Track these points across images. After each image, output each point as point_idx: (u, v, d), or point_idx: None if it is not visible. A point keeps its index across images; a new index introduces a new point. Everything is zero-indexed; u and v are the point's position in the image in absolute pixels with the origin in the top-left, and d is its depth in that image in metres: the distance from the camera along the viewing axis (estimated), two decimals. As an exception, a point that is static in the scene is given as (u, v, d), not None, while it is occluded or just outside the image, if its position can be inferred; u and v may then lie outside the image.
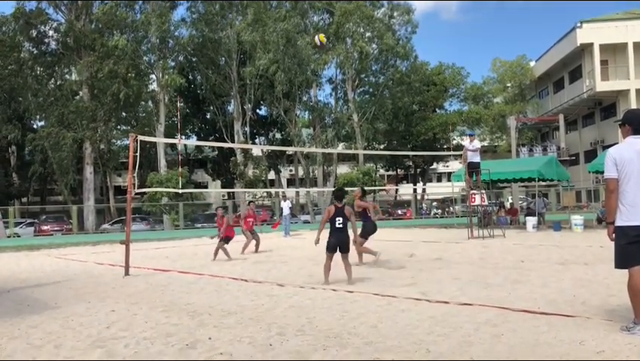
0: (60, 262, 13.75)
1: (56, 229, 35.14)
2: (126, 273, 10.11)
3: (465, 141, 19.28)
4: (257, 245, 14.88)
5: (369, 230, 10.87)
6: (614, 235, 4.78)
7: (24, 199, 53.19)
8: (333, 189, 40.51)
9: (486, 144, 53.48)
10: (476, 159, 17.31)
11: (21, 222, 36.74)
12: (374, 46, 42.55)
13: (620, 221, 4.70)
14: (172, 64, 41.07)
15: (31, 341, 5.15)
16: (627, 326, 4.68)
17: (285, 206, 23.47)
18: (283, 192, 32.42)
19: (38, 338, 5.29)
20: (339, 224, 7.98)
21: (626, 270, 4.70)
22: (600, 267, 8.90)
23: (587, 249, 12.37)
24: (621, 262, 4.74)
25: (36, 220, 37.59)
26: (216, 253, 12.96)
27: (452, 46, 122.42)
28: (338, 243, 7.99)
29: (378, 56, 43.31)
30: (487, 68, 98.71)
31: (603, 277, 7.86)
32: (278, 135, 52.87)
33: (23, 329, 5.69)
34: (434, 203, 49.09)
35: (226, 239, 13.25)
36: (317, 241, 8.29)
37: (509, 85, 54.54)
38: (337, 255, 8.07)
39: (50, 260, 14.26)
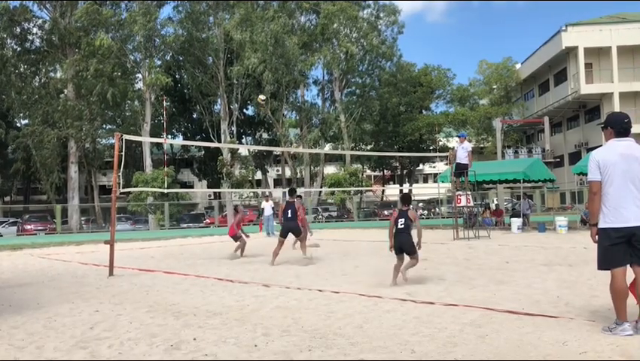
0: (43, 261, 13.59)
1: (39, 228, 34.71)
2: (111, 273, 10.03)
3: (457, 143, 19.39)
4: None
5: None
6: (597, 236, 4.84)
7: (7, 198, 52.58)
8: (319, 189, 40.58)
9: (472, 145, 53.76)
10: (465, 160, 17.39)
11: (4, 222, 36.30)
12: (360, 46, 42.64)
13: (603, 223, 4.75)
14: (159, 63, 40.82)
15: (12, 342, 5.09)
16: (609, 327, 4.73)
17: (267, 206, 23.47)
18: (265, 193, 32.32)
19: (19, 338, 5.23)
20: (400, 225, 8.00)
21: (609, 271, 4.75)
22: (584, 268, 8.99)
23: (571, 250, 12.48)
24: (604, 263, 4.80)
25: (19, 219, 37.15)
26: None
27: (438, 48, 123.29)
28: (398, 245, 8.01)
29: (363, 56, 43.44)
30: (473, 70, 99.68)
31: (586, 278, 7.94)
32: (265, 135, 52.81)
33: (5, 330, 5.62)
34: (420, 204, 49.28)
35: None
36: (390, 248, 8.28)
37: (495, 87, 54.92)
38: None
39: (33, 260, 14.09)
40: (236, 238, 13.28)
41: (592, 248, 5.51)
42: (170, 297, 7.48)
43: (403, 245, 7.97)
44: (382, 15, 44.45)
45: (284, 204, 11.69)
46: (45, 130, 37.52)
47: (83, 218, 39.44)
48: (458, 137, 18.94)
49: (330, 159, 56.86)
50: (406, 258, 8.06)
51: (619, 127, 4.84)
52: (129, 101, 41.76)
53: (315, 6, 42.19)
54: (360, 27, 41.73)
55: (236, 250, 13.16)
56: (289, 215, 11.32)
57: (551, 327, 5.04)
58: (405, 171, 60.61)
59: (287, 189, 12.29)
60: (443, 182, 22.66)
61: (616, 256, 4.70)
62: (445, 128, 53.82)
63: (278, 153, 50.87)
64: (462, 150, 17.55)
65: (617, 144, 4.79)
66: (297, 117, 46.49)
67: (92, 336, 5.23)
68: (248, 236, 13.73)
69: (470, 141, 48.57)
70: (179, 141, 54.34)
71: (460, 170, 17.56)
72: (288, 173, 50.91)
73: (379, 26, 44.28)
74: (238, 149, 41.42)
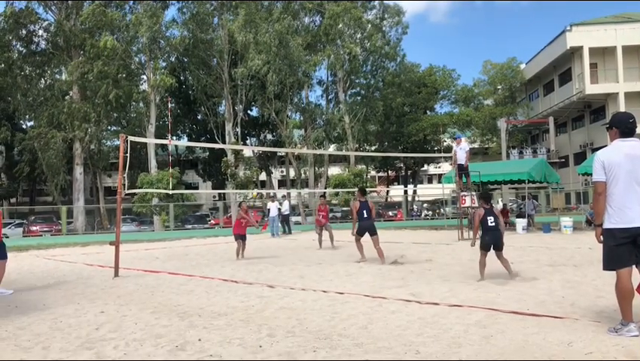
0: (49, 263, 13.65)
1: (45, 229, 34.88)
2: (116, 274, 10.06)
3: (454, 144, 19.42)
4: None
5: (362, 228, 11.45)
6: (602, 237, 4.83)
7: (13, 200, 52.76)
8: (323, 190, 40.66)
9: (476, 145, 53.78)
10: (463, 161, 17.42)
11: (10, 223, 36.46)
12: (363, 47, 42.63)
13: (608, 223, 4.74)
14: (164, 64, 40.91)
15: (19, 343, 5.11)
16: (615, 328, 4.72)
17: (273, 207, 23.51)
18: (270, 194, 32.39)
19: (26, 339, 5.25)
20: (491, 222, 8.19)
21: (614, 272, 4.74)
22: (589, 268, 8.97)
23: (576, 250, 12.45)
24: (609, 263, 4.79)
25: (25, 221, 37.31)
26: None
27: (441, 48, 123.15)
28: (492, 242, 8.18)
29: (367, 57, 43.46)
30: (477, 70, 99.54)
31: (591, 278, 7.92)
32: (269, 136, 52.86)
33: (11, 331, 5.65)
34: (425, 204, 49.25)
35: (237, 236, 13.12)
36: (473, 244, 8.66)
37: (499, 87, 54.82)
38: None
39: (38, 261, 14.16)
40: (241, 237, 13.00)
41: (597, 248, 5.50)
42: (175, 298, 7.50)
43: (498, 242, 8.21)
44: (386, 16, 44.47)
45: (359, 204, 11.53)
46: (51, 132, 37.66)
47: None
48: (454, 138, 18.98)
49: (335, 159, 56.82)
50: (495, 255, 8.27)
51: (624, 127, 4.83)
52: (134, 103, 41.87)
53: (319, 7, 42.22)
54: (364, 28, 41.75)
55: (242, 251, 12.90)
56: (365, 215, 11.39)
57: (556, 328, 5.03)
58: (409, 172, 60.55)
59: (358, 189, 12.34)
60: (448, 182, 22.65)
61: (621, 257, 4.69)
62: (449, 129, 53.77)
63: (282, 154, 50.88)
64: (461, 151, 17.58)
65: (622, 145, 4.77)
66: (301, 118, 46.51)
67: (98, 337, 5.25)
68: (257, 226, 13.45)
69: (471, 143, 48.56)
70: (184, 142, 54.40)
71: (462, 171, 17.59)
72: (292, 174, 50.93)
73: (384, 28, 44.28)
74: (242, 150, 41.49)
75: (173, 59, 43.44)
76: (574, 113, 48.24)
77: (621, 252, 4.67)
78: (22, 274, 11.18)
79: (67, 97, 40.51)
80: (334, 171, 52.50)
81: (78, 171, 39.59)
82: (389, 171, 62.88)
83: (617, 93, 42.32)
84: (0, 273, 8.38)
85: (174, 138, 48.86)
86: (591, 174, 5.15)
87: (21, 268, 12.61)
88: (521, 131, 54.72)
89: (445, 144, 51.25)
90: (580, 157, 43.08)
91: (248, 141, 51.31)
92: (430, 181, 74.26)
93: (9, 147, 46.54)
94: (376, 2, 44.46)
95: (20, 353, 4.75)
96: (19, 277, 10.77)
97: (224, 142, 41.33)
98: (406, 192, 57.06)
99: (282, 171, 60.58)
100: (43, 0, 39.60)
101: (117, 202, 10.80)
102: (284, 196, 35.45)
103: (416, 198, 56.73)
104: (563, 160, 48.36)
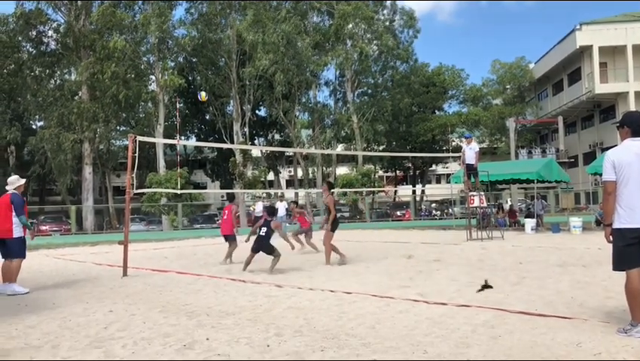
0: (58, 262, 13.73)
1: (54, 229, 35.10)
2: (125, 273, 10.09)
3: (463, 143, 19.34)
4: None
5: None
6: (611, 237, 4.80)
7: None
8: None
9: (485, 145, 53.66)
10: (473, 161, 17.34)
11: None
12: (374, 47, 42.67)
13: (618, 223, 4.71)
14: (172, 64, 41.07)
15: (29, 341, 5.15)
16: (624, 328, 4.69)
17: (281, 207, 23.42)
18: (279, 193, 32.48)
19: (35, 338, 5.29)
20: (262, 232, 9.50)
21: (624, 272, 4.71)
22: (598, 269, 8.91)
23: (585, 251, 12.38)
24: (619, 264, 4.76)
25: (34, 220, 37.51)
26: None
27: (449, 48, 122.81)
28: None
29: (377, 57, 43.46)
30: (486, 69, 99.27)
31: (601, 279, 7.86)
32: (277, 136, 52.93)
33: (21, 329, 5.69)
34: (433, 204, 49.13)
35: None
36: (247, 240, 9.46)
37: (508, 87, 54.63)
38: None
39: (48, 260, 14.24)
40: (229, 238, 12.01)
41: (606, 249, 5.46)
42: (183, 297, 7.52)
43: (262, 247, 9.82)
44: (397, 18, 44.58)
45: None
46: (62, 134, 37.90)
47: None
48: (465, 138, 18.93)
49: (343, 159, 56.80)
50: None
51: (635, 126, 4.79)
52: (142, 103, 42.06)
53: (329, 6, 42.23)
54: (375, 29, 41.75)
55: (226, 257, 11.85)
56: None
57: (565, 328, 5.00)
58: (418, 172, 60.42)
59: (327, 182, 12.14)
60: (456, 182, 22.59)
61: (631, 257, 4.66)
62: (458, 129, 53.65)
63: (290, 154, 50.94)
64: (470, 151, 17.51)
65: (633, 144, 4.74)
66: (310, 118, 46.54)
67: (107, 336, 5.28)
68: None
69: (480, 142, 48.39)
70: (192, 142, 54.58)
71: (470, 171, 17.53)
72: (300, 174, 50.98)
73: (395, 29, 44.31)
74: (250, 150, 41.61)
75: (181, 60, 43.61)
76: (583, 112, 47.99)
77: (631, 252, 4.64)
78: (32, 273, 11.25)
79: (76, 97, 40.75)
80: (342, 170, 52.50)
81: (87, 170, 39.81)
82: (397, 171, 62.77)
83: (627, 92, 42.09)
84: (16, 271, 8.45)
85: (182, 137, 49.06)
86: (601, 174, 5.13)
87: (31, 267, 12.68)
88: (530, 131, 54.52)
89: (454, 143, 51.15)
90: (590, 157, 42.85)
91: (256, 141, 51.41)
92: (438, 181, 74.02)
93: (19, 146, 46.89)
94: (388, 2, 44.50)
95: (30, 352, 4.78)
96: (29, 276, 10.83)
97: (232, 142, 41.43)
98: (414, 192, 56.96)
99: (290, 171, 60.67)
100: (52, 0, 39.83)
101: (126, 202, 10.84)
102: (259, 197, 35.53)
103: (425, 198, 56.60)
104: (572, 160, 48.13)
